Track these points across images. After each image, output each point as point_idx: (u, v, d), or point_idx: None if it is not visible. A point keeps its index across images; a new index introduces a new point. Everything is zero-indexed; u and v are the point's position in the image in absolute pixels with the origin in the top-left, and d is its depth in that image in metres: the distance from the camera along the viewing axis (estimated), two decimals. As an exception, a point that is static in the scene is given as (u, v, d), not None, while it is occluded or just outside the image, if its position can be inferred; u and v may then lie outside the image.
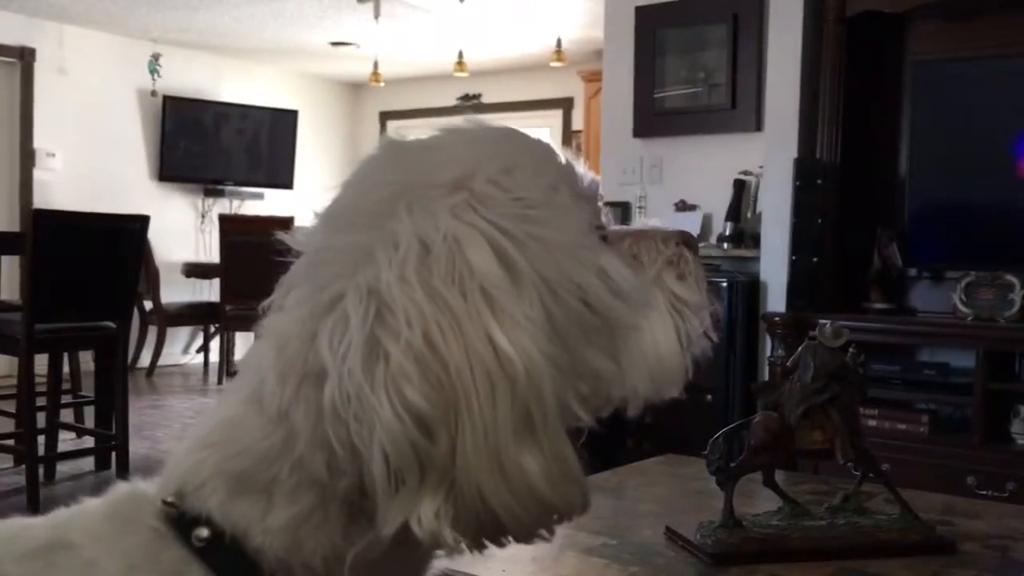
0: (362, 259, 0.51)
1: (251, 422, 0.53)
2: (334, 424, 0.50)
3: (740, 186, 3.66)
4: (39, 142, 6.52)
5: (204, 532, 0.51)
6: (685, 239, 0.67)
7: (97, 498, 0.56)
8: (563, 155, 0.61)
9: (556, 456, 0.51)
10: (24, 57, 6.43)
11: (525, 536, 0.52)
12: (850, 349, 1.28)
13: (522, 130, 0.62)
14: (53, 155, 6.57)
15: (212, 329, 6.91)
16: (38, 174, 6.51)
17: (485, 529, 0.50)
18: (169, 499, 0.53)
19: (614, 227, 0.66)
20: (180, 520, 0.52)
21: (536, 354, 0.50)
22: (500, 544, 0.52)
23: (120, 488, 0.56)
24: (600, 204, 0.63)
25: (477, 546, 0.52)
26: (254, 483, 0.52)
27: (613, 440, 3.57)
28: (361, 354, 0.49)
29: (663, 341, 0.60)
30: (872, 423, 2.92)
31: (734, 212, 3.65)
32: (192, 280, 6.95)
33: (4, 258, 4.77)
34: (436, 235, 0.51)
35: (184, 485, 0.53)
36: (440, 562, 0.58)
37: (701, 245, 3.66)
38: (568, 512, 0.53)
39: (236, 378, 0.56)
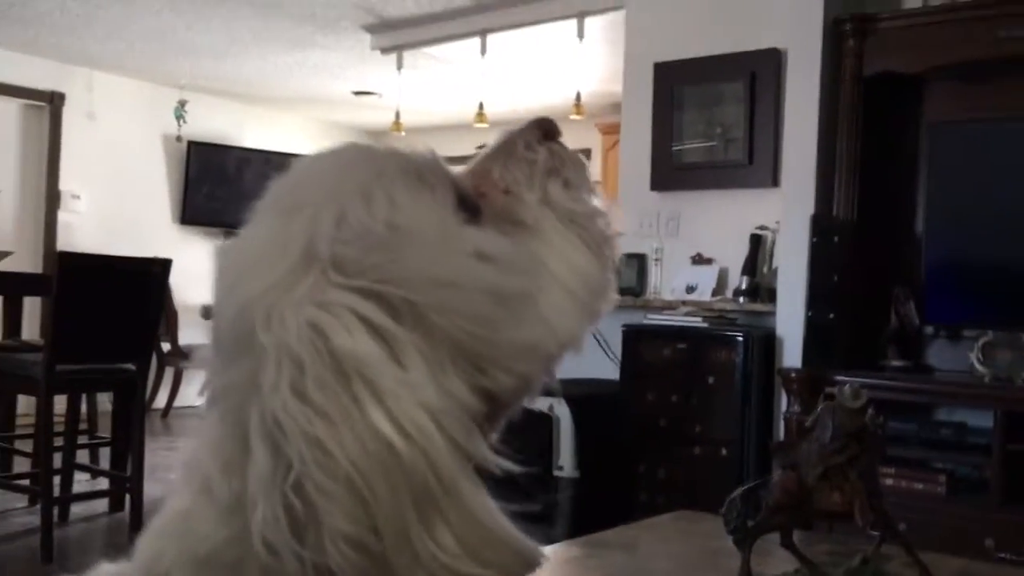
0: (253, 390, 0.48)
1: (206, 513, 0.51)
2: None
3: (756, 241, 3.68)
4: (65, 184, 6.63)
5: None
6: (545, 131, 0.62)
7: None
8: (382, 148, 0.56)
9: (469, 521, 0.47)
10: (54, 101, 6.57)
11: None
12: (869, 410, 1.29)
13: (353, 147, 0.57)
14: (78, 197, 6.68)
15: (228, 372, 6.92)
16: (63, 216, 6.62)
17: None
18: None
19: (475, 166, 0.60)
20: None
21: (422, 419, 0.47)
22: None
23: (102, 569, 0.55)
24: (455, 171, 0.58)
25: None
26: (221, 563, 0.50)
27: (626, 494, 3.55)
28: (279, 502, 0.46)
29: (573, 260, 0.57)
30: (889, 482, 2.89)
31: (750, 266, 3.66)
32: (210, 322, 6.99)
33: (25, 299, 4.84)
34: (296, 336, 0.47)
35: (149, 573, 0.52)
36: None
37: (717, 299, 3.71)
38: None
39: (185, 468, 0.55)
